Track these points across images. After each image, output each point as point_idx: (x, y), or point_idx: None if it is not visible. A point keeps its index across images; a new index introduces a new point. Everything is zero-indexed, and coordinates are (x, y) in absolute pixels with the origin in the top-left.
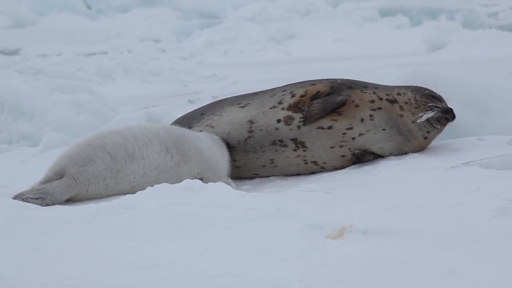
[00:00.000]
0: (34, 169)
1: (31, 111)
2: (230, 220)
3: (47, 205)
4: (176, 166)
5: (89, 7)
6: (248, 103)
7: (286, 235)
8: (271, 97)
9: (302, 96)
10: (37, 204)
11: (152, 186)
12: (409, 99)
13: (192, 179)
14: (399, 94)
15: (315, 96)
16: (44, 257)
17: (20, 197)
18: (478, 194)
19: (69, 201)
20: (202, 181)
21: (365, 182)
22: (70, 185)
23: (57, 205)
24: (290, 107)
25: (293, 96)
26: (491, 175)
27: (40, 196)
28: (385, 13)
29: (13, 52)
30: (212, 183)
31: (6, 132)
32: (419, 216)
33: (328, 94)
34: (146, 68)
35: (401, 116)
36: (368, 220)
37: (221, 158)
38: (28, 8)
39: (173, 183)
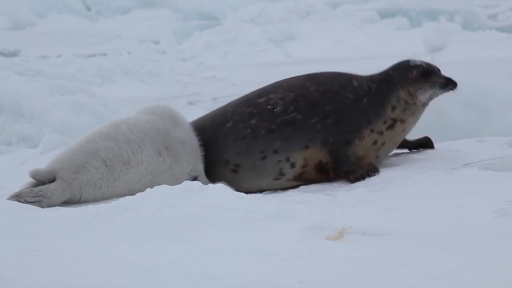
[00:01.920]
0: None
1: (31, 112)
2: (229, 222)
3: (43, 207)
4: (169, 169)
5: (88, 9)
6: (238, 164)
7: (286, 237)
8: (262, 159)
9: (303, 166)
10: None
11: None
12: (405, 102)
13: (188, 178)
14: (393, 108)
15: (319, 166)
16: (44, 258)
17: (17, 197)
18: (478, 195)
19: (68, 203)
20: (197, 179)
21: (364, 184)
22: (67, 188)
23: (57, 207)
24: (296, 179)
25: (293, 165)
26: (491, 176)
27: (38, 199)
28: (384, 14)
29: (13, 54)
30: (211, 184)
31: (6, 134)
32: (419, 217)
33: (334, 161)
34: (145, 70)
35: (403, 130)
36: (368, 222)
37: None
38: (28, 9)
39: (170, 185)
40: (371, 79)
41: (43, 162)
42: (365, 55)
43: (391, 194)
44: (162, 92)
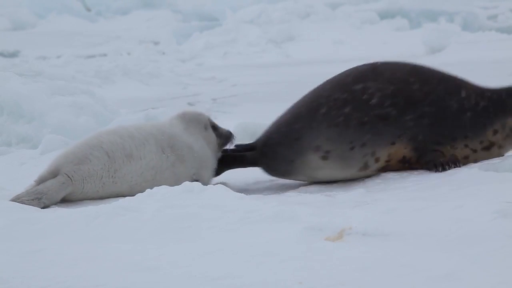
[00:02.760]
0: (34, 171)
1: (30, 113)
2: (229, 222)
3: (45, 205)
4: (172, 166)
5: (88, 10)
6: (329, 151)
7: (286, 237)
8: (350, 150)
9: (387, 161)
10: (35, 206)
11: (149, 185)
12: (510, 130)
13: (190, 180)
14: (495, 132)
15: (402, 161)
16: (44, 259)
17: (17, 200)
18: (478, 196)
19: (69, 201)
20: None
21: (364, 185)
22: (65, 182)
23: (56, 208)
24: (379, 171)
25: (377, 160)
26: (491, 177)
27: (36, 197)
28: (384, 15)
29: (13, 55)
30: (211, 185)
31: (6, 134)
32: (418, 218)
33: (417, 158)
34: (145, 70)
35: (498, 154)
36: (368, 222)
37: (209, 149)
38: (28, 10)
39: (171, 185)
40: (481, 94)
41: (43, 163)
42: (365, 56)
43: (390, 194)
44: (161, 92)
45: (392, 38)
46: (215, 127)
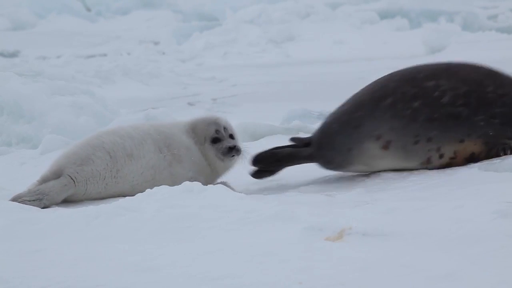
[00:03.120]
0: (34, 171)
1: (30, 113)
2: (229, 222)
3: (45, 205)
4: (169, 166)
5: (88, 10)
6: (390, 141)
7: (286, 237)
8: (414, 144)
9: (452, 158)
10: (35, 206)
11: (149, 185)
12: None
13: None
14: None
15: (469, 158)
16: (44, 259)
17: (17, 200)
18: (478, 196)
19: (69, 202)
20: None
21: (364, 185)
22: (67, 184)
23: (57, 207)
24: (441, 167)
25: (441, 156)
26: (491, 177)
27: (37, 197)
28: (384, 15)
29: (13, 55)
30: (211, 185)
31: (6, 134)
32: (418, 218)
33: (487, 152)
34: (145, 70)
35: None
36: (368, 222)
37: (203, 159)
38: (28, 10)
39: (169, 185)
40: None
41: (43, 162)
42: (365, 56)
43: (390, 194)
44: (162, 93)
45: (392, 38)
46: (218, 139)
